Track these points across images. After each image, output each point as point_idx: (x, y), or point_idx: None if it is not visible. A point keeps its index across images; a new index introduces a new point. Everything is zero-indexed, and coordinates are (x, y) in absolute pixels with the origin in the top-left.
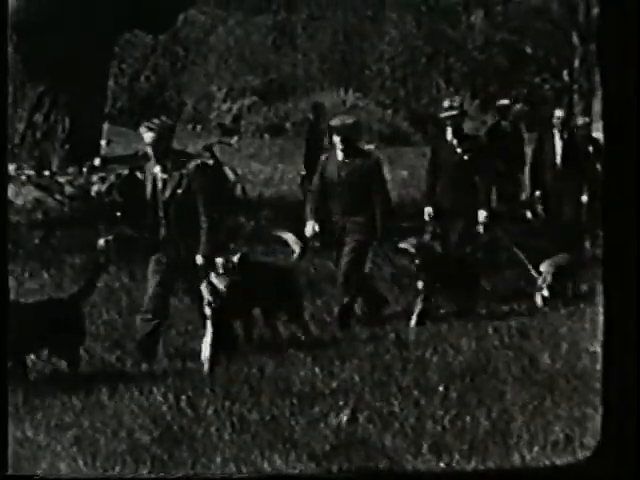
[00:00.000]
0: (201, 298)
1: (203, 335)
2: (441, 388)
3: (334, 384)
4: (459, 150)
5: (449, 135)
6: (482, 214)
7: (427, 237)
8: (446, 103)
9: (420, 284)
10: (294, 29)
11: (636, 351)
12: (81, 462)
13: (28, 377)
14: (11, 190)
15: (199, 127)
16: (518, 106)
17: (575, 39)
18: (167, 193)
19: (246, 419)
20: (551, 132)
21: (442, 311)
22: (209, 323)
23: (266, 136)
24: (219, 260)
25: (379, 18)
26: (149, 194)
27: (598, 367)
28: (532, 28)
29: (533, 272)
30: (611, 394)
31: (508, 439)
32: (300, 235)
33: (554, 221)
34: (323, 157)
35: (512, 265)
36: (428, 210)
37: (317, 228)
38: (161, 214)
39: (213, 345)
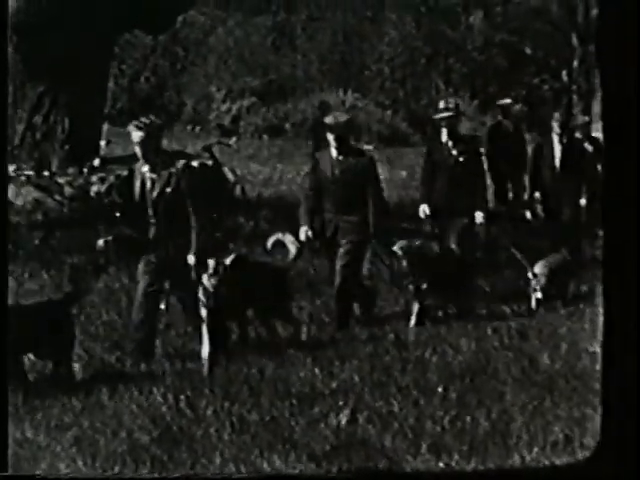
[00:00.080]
0: (196, 299)
1: (201, 335)
2: (440, 388)
3: (334, 384)
4: (454, 152)
5: (444, 137)
6: (479, 215)
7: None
8: (441, 104)
9: (411, 286)
10: (293, 30)
11: (636, 351)
12: (81, 462)
13: (27, 378)
14: (11, 191)
15: (198, 128)
16: (518, 106)
17: (574, 40)
18: (156, 192)
19: (245, 419)
20: (550, 135)
21: (440, 312)
22: (204, 324)
23: (265, 137)
24: (211, 261)
25: (378, 19)
26: (138, 194)
27: (597, 367)
28: (531, 29)
29: (530, 275)
30: (611, 394)
31: (508, 439)
32: (298, 235)
33: (553, 222)
34: (317, 155)
35: (511, 265)
36: (423, 208)
37: (310, 234)
38: (150, 213)
39: (211, 346)
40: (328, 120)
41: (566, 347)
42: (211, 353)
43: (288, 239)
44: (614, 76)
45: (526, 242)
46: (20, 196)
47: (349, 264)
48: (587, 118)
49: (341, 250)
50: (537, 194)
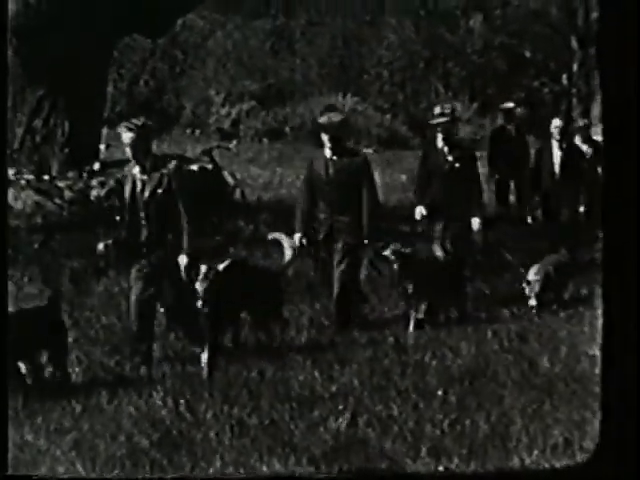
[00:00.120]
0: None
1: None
2: (440, 392)
3: (333, 388)
4: (450, 158)
5: (440, 142)
6: (476, 222)
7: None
8: (437, 110)
9: (401, 289)
10: (292, 34)
11: (635, 354)
12: (80, 466)
13: (26, 381)
14: (10, 194)
15: (198, 131)
16: (520, 110)
17: (574, 43)
18: (147, 194)
19: (245, 423)
20: (549, 140)
21: (437, 317)
22: (201, 327)
23: (265, 140)
24: (203, 267)
25: (378, 23)
26: (128, 195)
27: (597, 371)
28: (531, 32)
29: (524, 283)
30: (610, 397)
31: (507, 443)
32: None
33: (553, 225)
34: (311, 156)
35: (511, 268)
36: (420, 209)
37: (305, 241)
38: (142, 215)
39: (210, 349)
40: (322, 120)
41: (565, 350)
42: (210, 357)
43: (286, 242)
44: (614, 78)
45: (526, 245)
46: (20, 200)
47: (347, 269)
48: (586, 121)
49: (338, 254)
50: (537, 198)
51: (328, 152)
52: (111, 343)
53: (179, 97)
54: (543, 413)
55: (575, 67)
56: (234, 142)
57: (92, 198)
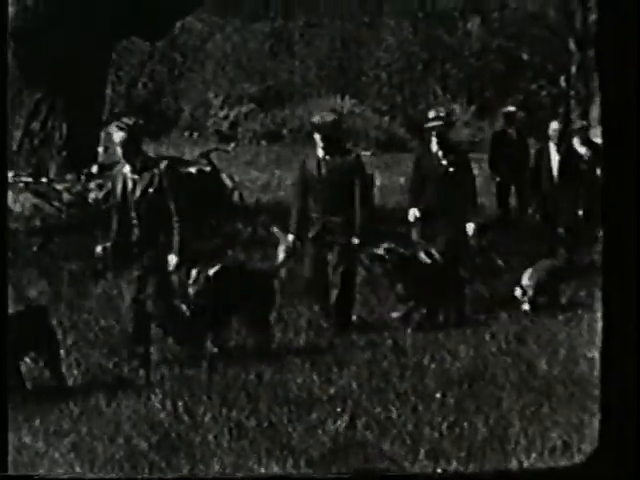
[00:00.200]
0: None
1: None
2: (439, 394)
3: (332, 390)
4: (444, 162)
5: (434, 146)
6: (470, 227)
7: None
8: (431, 113)
9: (394, 289)
10: (291, 36)
11: (635, 356)
12: (79, 468)
13: (25, 384)
14: (9, 197)
15: (196, 134)
16: (521, 113)
17: (572, 45)
18: (137, 193)
19: (244, 425)
20: (547, 143)
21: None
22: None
23: (263, 143)
24: (193, 271)
25: (376, 25)
26: (119, 195)
27: (595, 373)
28: (529, 34)
29: (517, 289)
30: (610, 399)
31: (505, 445)
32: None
33: (552, 228)
34: (303, 155)
35: (510, 271)
36: (413, 211)
37: (298, 244)
38: (133, 215)
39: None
40: (315, 119)
41: (564, 353)
42: (211, 358)
43: (282, 242)
44: (613, 80)
45: (526, 247)
46: (18, 202)
47: (345, 270)
48: (585, 123)
49: (333, 255)
50: (537, 201)
51: (320, 152)
52: (109, 345)
53: (178, 100)
54: (541, 415)
55: (573, 69)
56: (232, 144)
57: (90, 201)
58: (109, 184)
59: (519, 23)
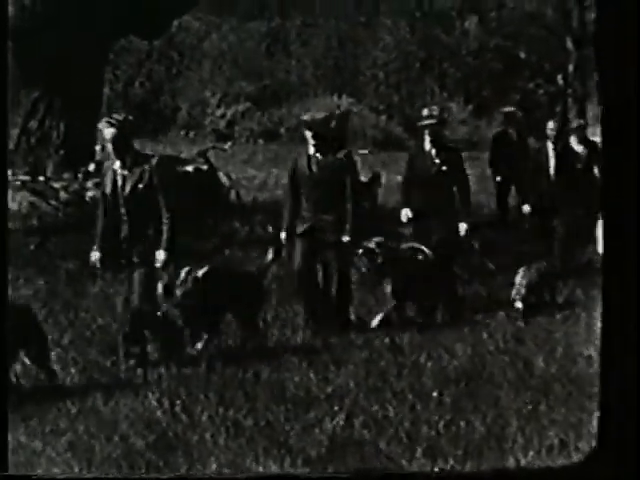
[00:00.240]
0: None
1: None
2: (436, 393)
3: (329, 389)
4: (437, 161)
5: (427, 145)
6: (463, 227)
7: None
8: (425, 112)
9: (385, 284)
10: (288, 35)
11: (635, 354)
12: (76, 467)
13: (21, 383)
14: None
15: (193, 133)
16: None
17: (569, 44)
18: (127, 189)
19: (241, 424)
20: (545, 143)
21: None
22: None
23: (260, 141)
24: (182, 272)
25: (373, 24)
26: (109, 191)
27: (593, 371)
28: (526, 33)
29: (513, 292)
30: (609, 398)
31: (503, 444)
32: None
33: (549, 227)
34: (295, 154)
35: (506, 270)
36: (406, 211)
37: (289, 243)
38: (123, 211)
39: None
40: (306, 117)
41: (561, 351)
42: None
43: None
44: (612, 79)
45: (525, 247)
46: (15, 201)
47: (338, 269)
48: (582, 122)
49: (323, 252)
50: (532, 202)
51: (312, 149)
52: (106, 344)
53: (175, 98)
54: (539, 414)
55: (571, 68)
56: (229, 143)
57: (87, 199)
58: None
59: (516, 22)
